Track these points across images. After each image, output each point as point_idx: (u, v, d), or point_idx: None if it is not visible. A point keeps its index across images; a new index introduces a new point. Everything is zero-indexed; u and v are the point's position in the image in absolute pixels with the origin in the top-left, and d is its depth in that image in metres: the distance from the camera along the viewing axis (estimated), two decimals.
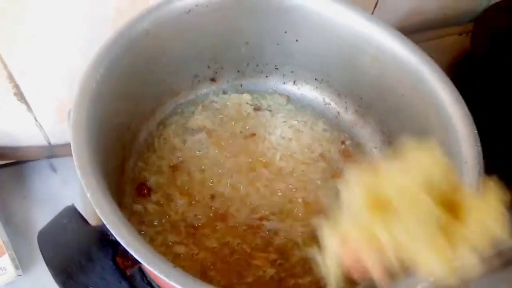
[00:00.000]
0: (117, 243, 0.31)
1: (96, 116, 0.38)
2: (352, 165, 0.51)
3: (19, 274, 0.54)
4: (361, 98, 0.54)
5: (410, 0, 0.58)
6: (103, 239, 0.32)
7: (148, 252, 0.30)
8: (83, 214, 0.37)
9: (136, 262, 0.32)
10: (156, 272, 0.29)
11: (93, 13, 0.48)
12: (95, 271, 0.31)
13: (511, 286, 0.48)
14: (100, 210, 0.31)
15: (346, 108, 0.56)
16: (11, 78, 0.52)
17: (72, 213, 0.34)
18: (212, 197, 0.48)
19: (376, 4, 0.63)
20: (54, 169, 0.66)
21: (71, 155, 0.64)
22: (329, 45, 0.51)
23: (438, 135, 0.43)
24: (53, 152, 0.65)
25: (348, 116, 0.56)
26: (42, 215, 0.61)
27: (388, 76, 0.48)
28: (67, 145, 0.65)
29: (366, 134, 0.55)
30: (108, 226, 0.30)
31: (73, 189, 0.63)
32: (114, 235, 0.30)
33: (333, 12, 0.48)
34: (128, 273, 0.33)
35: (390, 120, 0.51)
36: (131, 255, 0.31)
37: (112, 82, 0.41)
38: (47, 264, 0.31)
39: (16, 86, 0.53)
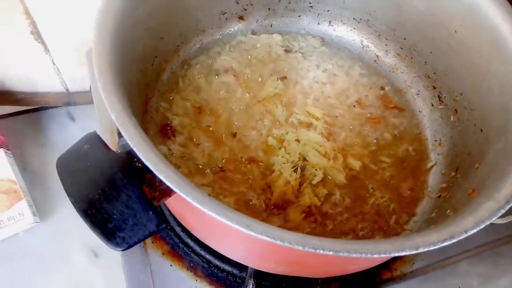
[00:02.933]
0: (144, 171, 0.28)
1: (119, 41, 0.35)
2: (391, 113, 0.48)
3: (36, 221, 0.52)
4: (404, 39, 0.49)
5: None
6: (129, 166, 0.29)
7: (179, 178, 0.27)
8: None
9: (164, 193, 0.29)
10: (189, 199, 0.26)
11: None
12: (120, 199, 0.28)
13: None
14: (125, 132, 0.27)
15: (386, 51, 0.51)
16: (27, 14, 0.48)
17: (94, 139, 0.31)
18: (239, 140, 0.45)
19: None
20: (72, 118, 0.64)
21: (90, 103, 0.62)
22: None
23: (496, 75, 0.38)
24: (71, 99, 0.62)
25: (388, 59, 0.51)
26: None
27: (437, 10, 0.43)
28: (86, 92, 0.62)
29: (408, 79, 0.50)
30: (134, 148, 0.27)
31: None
32: (142, 158, 0.27)
33: None
34: (156, 204, 0.30)
35: (437, 61, 0.46)
36: (160, 184, 0.28)
37: (136, 9, 0.37)
38: (67, 191, 0.29)
39: (33, 24, 0.50)
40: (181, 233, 0.45)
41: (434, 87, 0.48)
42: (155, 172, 0.26)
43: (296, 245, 0.25)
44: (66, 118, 0.64)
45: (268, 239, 0.25)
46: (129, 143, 0.27)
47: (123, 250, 0.27)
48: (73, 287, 0.50)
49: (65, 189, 0.29)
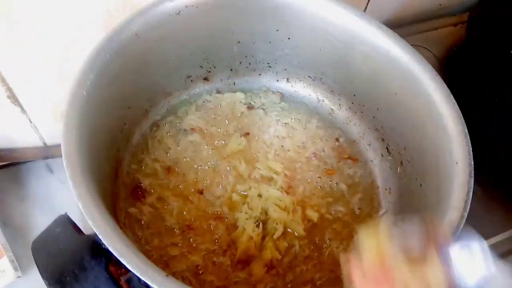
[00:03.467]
0: (110, 252, 0.32)
1: (87, 122, 0.38)
2: (346, 163, 0.52)
3: (18, 276, 0.54)
4: (354, 95, 0.53)
5: None
6: (96, 248, 0.32)
7: (139, 261, 0.30)
8: (80, 222, 0.37)
9: (129, 270, 0.33)
10: (148, 282, 0.29)
11: (83, 15, 0.47)
12: (88, 280, 0.31)
13: None
14: (92, 221, 0.31)
15: (339, 105, 0.56)
16: (3, 81, 0.52)
17: (65, 222, 0.34)
18: (206, 197, 0.49)
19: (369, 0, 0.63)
20: (50, 170, 0.66)
21: None
22: (321, 43, 0.50)
23: (429, 134, 0.43)
24: (49, 153, 0.65)
25: (341, 113, 0.56)
26: (40, 217, 0.62)
27: (380, 74, 0.48)
28: None
29: (360, 131, 0.55)
30: (100, 237, 0.30)
31: (70, 189, 0.64)
32: (107, 245, 0.30)
33: (324, 10, 0.48)
34: (122, 280, 0.33)
35: (383, 117, 0.51)
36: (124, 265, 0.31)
37: (103, 87, 0.41)
38: (42, 274, 0.32)
39: (9, 89, 0.53)
40: None
41: (382, 139, 0.52)
42: (118, 258, 0.30)
43: None
44: (44, 171, 0.66)
45: None
46: (95, 231, 0.31)
47: None
48: None
49: (40, 272, 0.32)
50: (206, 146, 0.52)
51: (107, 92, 0.42)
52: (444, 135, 0.40)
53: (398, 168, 0.49)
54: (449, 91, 0.42)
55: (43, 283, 0.56)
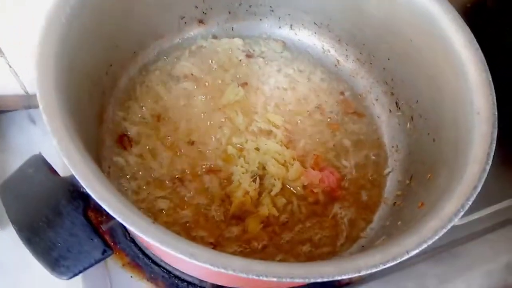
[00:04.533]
0: (89, 196, 0.28)
1: (67, 54, 0.34)
2: (350, 119, 0.48)
3: None
4: (363, 44, 0.49)
5: None
6: (73, 191, 0.28)
7: (122, 206, 0.27)
8: (56, 164, 0.33)
9: (110, 217, 0.29)
10: (132, 228, 0.26)
11: None
12: (63, 226, 0.27)
13: None
14: (67, 159, 0.27)
15: (346, 56, 0.51)
16: None
17: (39, 163, 0.30)
18: (198, 149, 0.45)
19: None
20: (33, 121, 0.62)
21: None
22: None
23: (448, 83, 0.39)
24: (31, 102, 0.61)
25: (348, 64, 0.52)
26: None
27: (396, 18, 0.43)
28: None
29: (367, 84, 0.51)
30: (77, 177, 0.26)
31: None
32: (84, 186, 0.26)
33: None
34: (104, 229, 0.29)
35: (394, 68, 0.47)
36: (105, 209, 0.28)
37: (85, 16, 0.36)
38: (10, 219, 0.28)
39: None
40: (141, 244, 0.44)
41: (392, 93, 0.48)
42: (97, 201, 0.26)
43: (240, 272, 0.26)
44: (27, 121, 0.62)
45: (211, 267, 0.25)
46: (71, 170, 0.27)
47: (67, 279, 0.27)
48: None
49: (8, 216, 0.28)
50: (200, 95, 0.48)
51: (90, 23, 0.37)
52: (464, 84, 0.37)
53: (408, 123, 0.46)
54: (472, 34, 0.38)
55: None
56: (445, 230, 0.29)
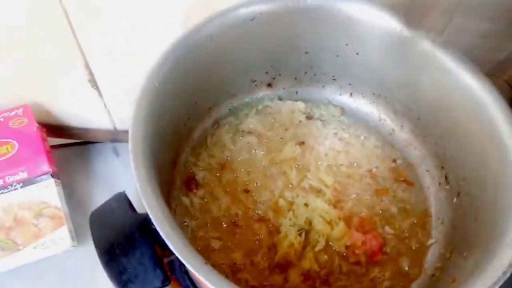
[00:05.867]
0: (157, 233, 0.34)
1: (155, 111, 0.41)
2: (400, 186, 0.51)
3: (74, 245, 0.59)
4: (418, 118, 0.52)
5: (481, 23, 0.54)
6: (146, 227, 0.34)
7: (183, 246, 0.32)
8: (135, 201, 0.40)
9: (172, 252, 0.35)
10: (187, 265, 0.31)
11: (163, 13, 0.51)
12: (135, 255, 0.33)
13: None
14: (146, 201, 0.33)
15: (402, 126, 0.55)
16: (87, 66, 0.57)
17: (122, 199, 0.37)
18: (254, 199, 0.50)
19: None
20: (117, 153, 0.71)
21: None
22: (390, 62, 0.50)
23: (493, 168, 0.41)
24: (118, 137, 0.70)
25: (403, 134, 0.55)
26: (101, 195, 0.67)
27: (448, 100, 0.46)
28: None
29: (420, 155, 0.53)
30: (151, 217, 0.32)
31: (132, 171, 0.68)
32: (155, 225, 0.32)
33: (396, 29, 0.47)
34: (165, 261, 0.35)
35: (445, 144, 0.49)
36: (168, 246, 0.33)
37: (173, 81, 0.44)
38: (95, 244, 0.34)
39: (91, 74, 0.58)
40: (193, 277, 0.50)
41: (442, 167, 0.50)
42: (165, 239, 0.32)
43: None
44: (111, 153, 0.71)
45: None
46: (148, 211, 0.33)
47: None
48: None
49: (93, 241, 0.35)
50: (261, 150, 0.53)
51: (176, 86, 0.45)
52: (508, 171, 0.38)
53: (455, 198, 0.47)
54: None
55: (94, 255, 0.61)
56: None
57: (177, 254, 0.31)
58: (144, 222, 0.35)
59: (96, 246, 0.34)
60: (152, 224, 0.33)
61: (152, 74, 0.41)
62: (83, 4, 0.49)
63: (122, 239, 0.34)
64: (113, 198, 0.37)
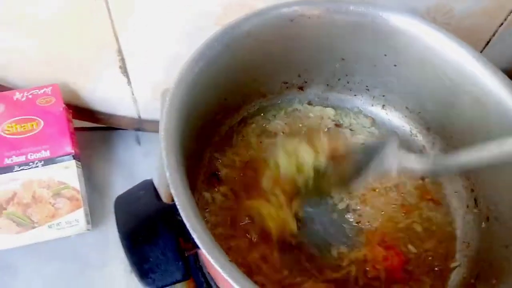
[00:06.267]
0: (182, 224, 0.33)
1: (188, 104, 0.40)
2: (426, 205, 0.49)
3: (88, 229, 0.59)
4: (451, 137, 0.51)
5: None
6: (171, 218, 0.34)
7: (209, 240, 0.31)
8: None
9: (196, 246, 0.34)
10: (212, 261, 0.30)
11: (199, 8, 0.51)
12: (158, 245, 0.33)
13: None
14: (175, 191, 0.33)
15: (433, 143, 0.53)
16: (119, 52, 0.57)
17: (149, 187, 0.36)
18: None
19: (488, 42, 0.60)
20: (138, 141, 0.71)
21: (156, 131, 0.70)
22: (428, 77, 0.49)
23: None
24: (141, 125, 0.70)
25: (433, 152, 0.53)
26: (119, 181, 0.67)
27: (486, 121, 0.45)
28: (155, 121, 0.70)
29: (450, 175, 0.52)
30: (178, 207, 0.32)
31: (152, 163, 0.68)
32: (182, 216, 0.31)
33: (439, 45, 0.46)
34: (186, 254, 0.34)
35: (479, 169, 0.48)
36: (193, 238, 0.33)
37: (207, 77, 0.43)
38: (118, 228, 0.34)
39: (122, 60, 0.58)
40: (207, 274, 0.49)
41: (472, 190, 0.49)
42: (190, 230, 0.31)
43: None
44: (133, 141, 0.71)
45: None
46: (175, 201, 0.32)
47: None
48: None
49: (117, 225, 0.34)
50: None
51: (210, 81, 0.44)
52: None
53: (483, 223, 0.46)
54: None
55: (106, 240, 0.60)
56: None
57: (202, 248, 0.31)
58: (170, 212, 0.34)
59: (119, 231, 0.34)
60: (178, 215, 0.33)
61: (188, 68, 0.41)
62: None
63: (146, 227, 0.33)
64: (139, 185, 0.37)
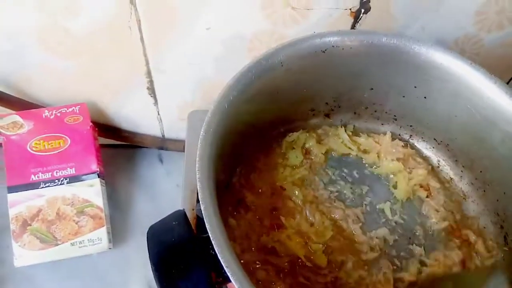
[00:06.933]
0: (215, 258, 0.33)
1: (221, 133, 0.41)
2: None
3: (109, 247, 0.59)
4: (480, 172, 0.50)
5: None
6: (205, 251, 0.34)
7: (242, 277, 0.31)
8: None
9: (227, 280, 0.34)
10: None
11: (229, 34, 0.51)
12: (190, 279, 0.33)
13: None
14: (209, 225, 0.33)
15: (461, 176, 0.53)
16: (148, 74, 0.58)
17: (181, 218, 0.36)
18: (299, 231, 0.49)
19: None
20: (161, 160, 0.72)
21: (179, 150, 0.70)
22: (459, 110, 0.48)
23: None
24: (164, 145, 0.71)
25: (461, 185, 0.53)
26: (141, 199, 0.67)
27: None
28: (178, 141, 0.71)
29: (477, 209, 0.51)
30: (214, 243, 0.32)
31: (174, 182, 0.69)
32: (218, 252, 0.31)
33: (472, 79, 0.46)
34: None
35: (508, 203, 0.47)
36: (225, 273, 0.32)
37: (240, 104, 0.43)
38: (150, 258, 0.34)
39: (151, 82, 0.59)
40: None
41: (501, 226, 0.48)
42: (224, 266, 0.31)
43: None
44: (156, 160, 0.72)
45: None
46: (210, 235, 0.32)
47: None
48: None
49: (149, 256, 0.34)
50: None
51: (242, 109, 0.45)
52: None
53: None
54: None
55: (127, 259, 0.61)
56: None
57: (235, 284, 0.30)
58: (204, 246, 0.34)
59: (152, 262, 0.34)
60: (212, 249, 0.33)
61: (224, 96, 0.41)
62: (155, 15, 0.49)
63: (179, 260, 0.33)
64: (172, 215, 0.37)
